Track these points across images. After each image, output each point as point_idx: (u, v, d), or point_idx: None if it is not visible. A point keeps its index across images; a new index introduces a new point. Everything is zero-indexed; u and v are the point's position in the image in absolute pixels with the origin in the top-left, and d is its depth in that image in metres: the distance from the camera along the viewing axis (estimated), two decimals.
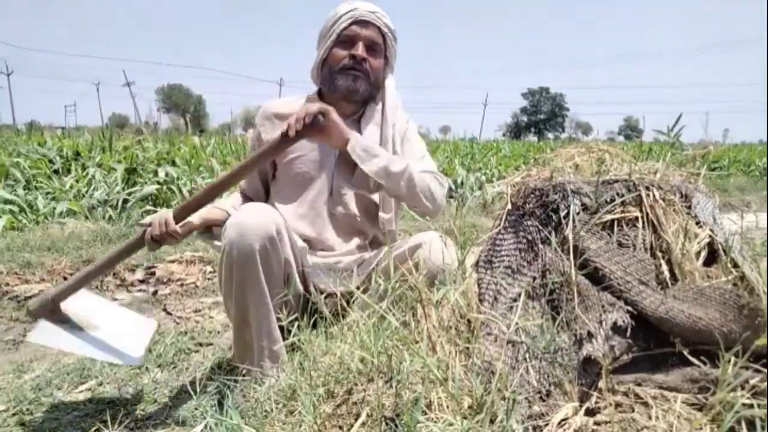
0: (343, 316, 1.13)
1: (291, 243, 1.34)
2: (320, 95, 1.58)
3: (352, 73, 1.48)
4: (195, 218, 1.37)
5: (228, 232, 1.23)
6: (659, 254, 0.96)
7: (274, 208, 1.34)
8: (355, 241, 1.51)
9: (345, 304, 1.10)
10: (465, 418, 0.73)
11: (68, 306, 1.35)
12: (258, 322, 1.27)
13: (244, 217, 1.24)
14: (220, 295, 1.41)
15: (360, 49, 1.46)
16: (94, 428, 1.32)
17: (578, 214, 0.99)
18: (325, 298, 1.29)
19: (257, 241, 1.21)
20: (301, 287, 1.36)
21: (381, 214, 1.52)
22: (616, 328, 0.83)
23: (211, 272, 3.04)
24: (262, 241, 1.22)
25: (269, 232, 1.23)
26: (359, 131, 1.52)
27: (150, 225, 1.31)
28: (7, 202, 4.01)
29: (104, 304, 1.53)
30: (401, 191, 1.37)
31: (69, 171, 5.08)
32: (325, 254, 1.47)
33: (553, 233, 0.98)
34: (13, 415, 1.46)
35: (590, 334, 0.83)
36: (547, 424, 0.73)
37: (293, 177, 1.50)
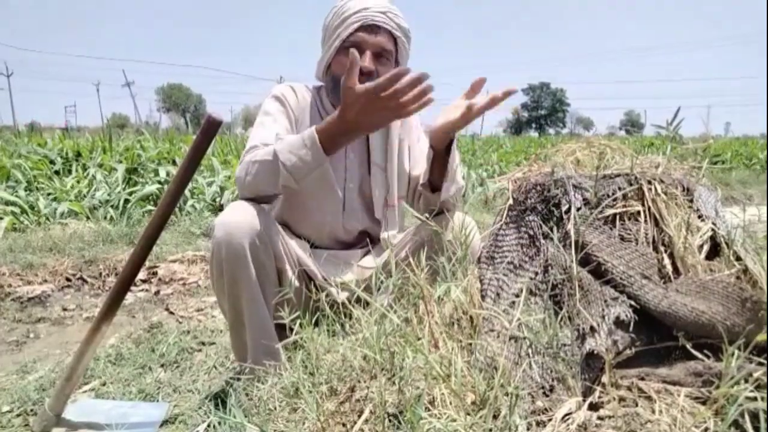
0: (346, 314, 1.14)
1: (283, 241, 1.32)
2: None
3: None
4: None
5: (216, 232, 1.19)
6: (662, 248, 0.96)
7: (260, 206, 1.28)
8: (364, 250, 1.51)
9: (347, 302, 1.10)
10: (468, 413, 0.73)
11: (73, 415, 1.29)
12: (251, 321, 1.25)
13: (231, 216, 1.20)
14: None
15: (367, 60, 1.32)
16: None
17: (580, 209, 0.98)
18: (327, 296, 1.29)
19: (246, 238, 1.17)
20: (296, 282, 1.34)
21: (382, 234, 1.50)
22: (619, 323, 0.82)
23: None
24: (252, 238, 1.18)
25: (258, 229, 1.19)
26: (367, 141, 1.49)
27: None
28: (8, 203, 4.02)
29: (110, 404, 1.47)
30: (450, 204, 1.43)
31: (70, 171, 5.10)
32: (335, 252, 1.48)
33: (555, 228, 0.98)
34: (18, 415, 1.46)
35: (593, 329, 0.82)
36: (550, 419, 0.73)
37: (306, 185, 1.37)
